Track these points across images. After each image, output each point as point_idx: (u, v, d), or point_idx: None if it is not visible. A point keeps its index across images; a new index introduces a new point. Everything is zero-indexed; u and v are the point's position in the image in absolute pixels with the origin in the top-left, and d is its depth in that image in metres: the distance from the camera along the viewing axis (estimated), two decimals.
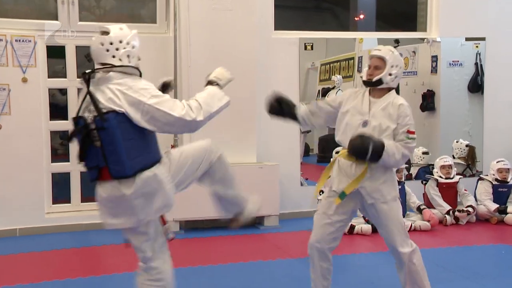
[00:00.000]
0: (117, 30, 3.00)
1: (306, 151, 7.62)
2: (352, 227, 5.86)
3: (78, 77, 6.23)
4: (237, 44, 6.21)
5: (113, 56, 2.96)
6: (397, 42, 7.62)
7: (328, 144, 7.74)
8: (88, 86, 2.92)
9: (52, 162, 6.26)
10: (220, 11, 6.18)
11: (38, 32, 5.95)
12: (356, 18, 8.72)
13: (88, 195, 6.41)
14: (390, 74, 3.40)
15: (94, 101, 2.86)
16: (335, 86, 7.82)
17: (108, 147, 2.83)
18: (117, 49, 2.96)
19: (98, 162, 2.88)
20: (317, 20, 8.18)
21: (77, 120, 2.92)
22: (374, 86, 3.43)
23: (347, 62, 8.02)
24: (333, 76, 7.89)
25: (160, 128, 2.90)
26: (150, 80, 6.29)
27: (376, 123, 3.37)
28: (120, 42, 2.97)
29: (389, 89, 3.46)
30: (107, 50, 2.96)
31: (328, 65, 8.07)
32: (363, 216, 6.03)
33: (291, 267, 4.80)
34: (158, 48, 6.34)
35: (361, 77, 3.52)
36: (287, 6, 7.66)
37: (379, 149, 3.26)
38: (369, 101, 3.44)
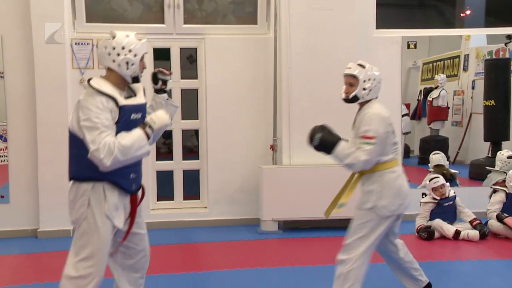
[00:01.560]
0: (123, 36, 3.10)
1: (406, 152, 7.40)
2: (458, 232, 5.60)
3: (181, 78, 6.47)
4: (337, 43, 6.15)
5: (113, 61, 3.08)
6: (509, 38, 7.20)
7: (429, 145, 7.47)
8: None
9: (156, 160, 6.52)
10: (320, 11, 6.15)
11: (147, 36, 6.22)
12: (462, 14, 8.32)
13: (190, 193, 6.63)
14: (364, 89, 3.60)
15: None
16: (438, 85, 7.56)
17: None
18: (118, 55, 3.07)
19: None
20: (421, 18, 7.90)
21: None
22: (352, 103, 3.67)
23: (451, 60, 7.71)
24: (436, 76, 7.63)
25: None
26: (251, 82, 6.47)
27: (354, 132, 3.65)
28: (122, 48, 3.07)
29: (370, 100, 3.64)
30: (109, 54, 3.08)
31: (431, 64, 7.80)
32: (470, 222, 5.77)
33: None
34: (258, 48, 6.42)
35: (341, 94, 3.71)
36: (390, 4, 7.46)
37: (329, 144, 3.54)
38: (356, 114, 3.71)
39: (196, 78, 6.51)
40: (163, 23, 6.37)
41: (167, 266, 4.86)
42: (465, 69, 7.64)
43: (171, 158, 6.60)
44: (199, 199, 6.61)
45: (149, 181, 6.38)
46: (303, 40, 6.18)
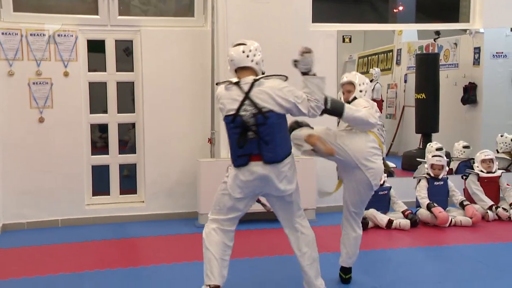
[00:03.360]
0: (251, 42, 3.74)
1: None
2: (391, 221, 5.82)
3: (117, 70, 6.37)
4: (274, 37, 6.21)
5: (252, 61, 3.65)
6: (437, 33, 7.50)
7: None
8: (249, 91, 3.54)
9: (92, 155, 6.41)
10: (257, 4, 6.20)
11: (79, 27, 6.09)
12: (395, 10, 8.59)
13: (126, 188, 6.55)
14: (360, 91, 4.18)
15: (253, 102, 3.51)
16: (373, 79, 7.74)
17: (265, 138, 3.50)
18: (254, 55, 3.66)
19: (251, 150, 3.54)
20: (356, 13, 8.09)
21: (235, 117, 3.54)
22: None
23: (385, 54, 7.94)
24: (371, 69, 7.81)
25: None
26: (188, 75, 6.44)
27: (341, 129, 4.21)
28: (256, 50, 3.69)
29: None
30: (247, 56, 3.64)
31: (366, 58, 8.00)
32: (402, 212, 5.99)
33: (327, 261, 4.78)
34: (195, 41, 6.40)
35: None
36: None
37: (339, 104, 3.96)
38: None
39: (132, 70, 6.43)
40: (97, 14, 6.24)
41: (103, 262, 4.80)
42: (398, 63, 7.90)
43: (107, 152, 6.50)
44: (136, 193, 6.55)
45: (84, 176, 6.27)
46: (240, 33, 6.17)
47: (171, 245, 5.42)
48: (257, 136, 3.52)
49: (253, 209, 3.93)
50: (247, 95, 3.53)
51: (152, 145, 6.37)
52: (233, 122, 3.55)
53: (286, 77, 3.64)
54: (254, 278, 4.44)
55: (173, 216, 6.38)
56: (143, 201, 6.47)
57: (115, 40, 6.35)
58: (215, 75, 6.30)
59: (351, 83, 4.20)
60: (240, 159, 3.60)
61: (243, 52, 3.65)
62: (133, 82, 6.45)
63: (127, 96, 6.59)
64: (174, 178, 6.41)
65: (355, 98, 4.15)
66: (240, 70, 3.68)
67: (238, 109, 3.53)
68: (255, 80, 3.57)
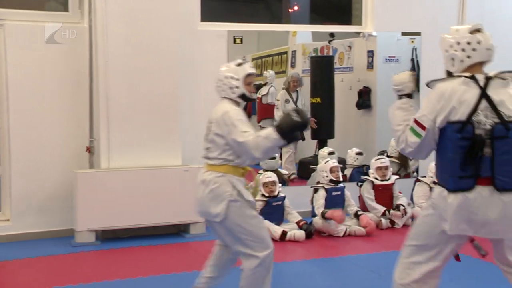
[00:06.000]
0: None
1: None
2: (285, 233, 5.90)
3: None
4: (158, 35, 6.12)
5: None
6: (332, 35, 7.75)
7: None
8: (484, 89, 2.90)
9: None
10: None
11: None
12: (289, 10, 8.80)
13: None
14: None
15: (494, 107, 2.88)
16: (267, 82, 7.84)
17: (502, 157, 2.85)
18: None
19: (478, 171, 2.86)
20: (248, 12, 8.19)
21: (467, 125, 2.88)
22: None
23: (280, 56, 8.08)
24: (265, 72, 7.91)
25: None
26: (61, 76, 6.20)
27: None
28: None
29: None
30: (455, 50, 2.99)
31: (260, 60, 8.10)
32: (296, 222, 6.11)
33: None
34: (71, 40, 6.13)
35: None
36: None
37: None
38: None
39: None
40: None
41: None
42: (293, 65, 8.06)
43: None
44: None
45: None
46: (122, 31, 6.04)
47: (42, 269, 5.13)
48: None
49: None
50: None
51: (20, 154, 6.02)
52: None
53: None
54: None
55: (45, 235, 6.05)
56: (8, 219, 6.11)
57: None
58: (93, 77, 6.09)
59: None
60: None
61: None
62: None
63: None
64: (46, 192, 6.10)
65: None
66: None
67: None
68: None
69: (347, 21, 7.84)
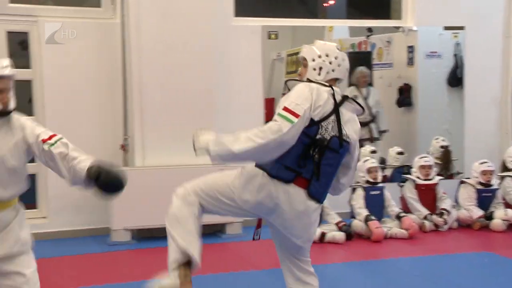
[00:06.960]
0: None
1: None
2: (324, 234, 5.84)
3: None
4: (192, 31, 6.12)
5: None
6: (370, 30, 7.64)
7: None
8: (339, 105, 3.13)
9: None
10: None
11: None
12: (325, 4, 8.72)
13: (24, 202, 6.21)
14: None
15: (339, 123, 3.10)
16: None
17: (325, 167, 3.08)
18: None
19: (302, 169, 3.06)
20: (283, 7, 8.13)
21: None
22: None
23: None
24: (300, 68, 7.84)
25: None
26: (95, 73, 6.26)
27: None
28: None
29: None
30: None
31: (295, 56, 8.04)
32: (336, 223, 6.04)
33: (256, 280, 4.74)
34: (103, 36, 6.20)
35: None
36: None
37: None
38: None
39: (29, 67, 6.14)
40: None
41: None
42: None
43: None
44: (36, 208, 6.26)
45: None
46: (155, 27, 6.06)
47: (79, 267, 5.19)
48: None
49: None
50: None
51: None
52: None
53: None
54: None
55: (81, 233, 6.16)
56: (45, 217, 6.19)
57: (7, 32, 6.03)
58: (127, 74, 6.12)
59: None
60: None
61: None
62: (31, 81, 6.16)
63: (23, 97, 6.27)
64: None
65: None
66: None
67: None
68: None
69: (385, 15, 7.74)
